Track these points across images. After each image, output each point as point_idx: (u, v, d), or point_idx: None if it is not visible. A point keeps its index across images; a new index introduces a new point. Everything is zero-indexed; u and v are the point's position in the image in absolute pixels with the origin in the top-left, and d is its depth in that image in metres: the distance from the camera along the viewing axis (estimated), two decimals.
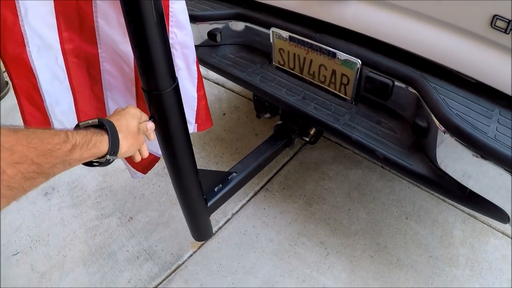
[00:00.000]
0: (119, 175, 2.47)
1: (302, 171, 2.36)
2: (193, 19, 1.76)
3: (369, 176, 2.31)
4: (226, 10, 1.76)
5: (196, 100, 1.34)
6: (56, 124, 1.19)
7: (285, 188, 2.28)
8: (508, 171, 1.02)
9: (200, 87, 1.33)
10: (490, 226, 2.08)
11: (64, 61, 1.12)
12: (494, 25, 1.05)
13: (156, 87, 0.98)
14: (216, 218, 2.13)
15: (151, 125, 1.04)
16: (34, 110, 1.15)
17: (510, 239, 2.02)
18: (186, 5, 1.79)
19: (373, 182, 2.28)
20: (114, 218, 2.24)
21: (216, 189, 1.43)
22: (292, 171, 2.37)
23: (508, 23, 1.02)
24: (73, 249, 2.14)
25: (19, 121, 3.08)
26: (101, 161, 0.89)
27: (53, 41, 1.07)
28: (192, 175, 1.20)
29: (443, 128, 1.10)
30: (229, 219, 2.14)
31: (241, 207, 2.19)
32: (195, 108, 1.35)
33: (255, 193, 2.26)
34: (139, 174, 1.59)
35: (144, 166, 1.56)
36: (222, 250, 2.00)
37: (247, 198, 2.24)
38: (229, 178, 1.48)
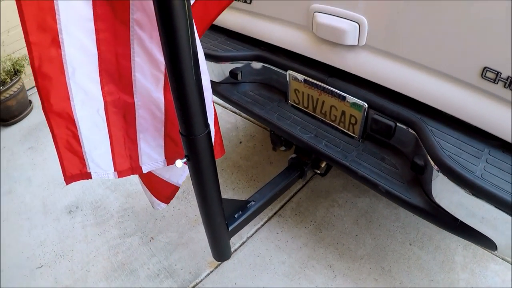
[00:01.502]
0: (141, 196, 2.66)
1: (313, 198, 2.52)
2: (217, 59, 1.96)
3: (376, 204, 2.45)
4: (246, 51, 1.94)
5: (214, 133, 1.51)
6: (92, 167, 1.35)
7: (297, 214, 2.43)
8: (493, 205, 1.17)
9: (216, 122, 1.50)
10: (491, 253, 2.18)
11: (105, 111, 1.29)
12: (485, 76, 1.20)
13: (192, 133, 1.17)
14: (233, 241, 2.28)
15: None
16: (72, 156, 1.30)
17: (510, 265, 2.12)
18: (211, 45, 2.01)
19: (380, 209, 2.42)
20: (136, 238, 2.41)
21: (236, 216, 1.60)
22: (304, 198, 2.53)
23: (497, 74, 1.17)
24: (96, 265, 2.31)
25: (41, 140, 3.34)
26: None
27: (96, 95, 1.24)
28: (217, 204, 1.38)
29: (437, 167, 1.26)
30: (244, 242, 2.30)
31: (256, 231, 2.35)
32: (212, 141, 1.53)
33: (269, 218, 2.42)
34: (163, 204, 1.76)
35: (167, 196, 1.72)
36: (238, 271, 2.15)
37: (261, 223, 2.40)
38: (247, 206, 1.66)
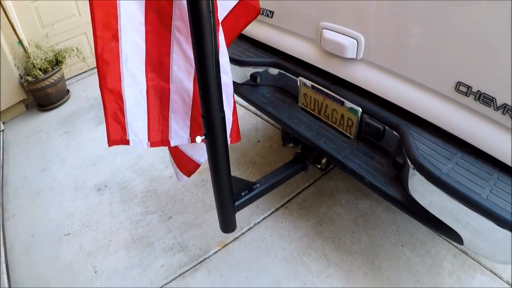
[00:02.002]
0: (164, 181, 2.97)
1: (318, 197, 2.75)
2: (240, 63, 2.25)
3: (376, 207, 2.66)
4: (266, 58, 2.22)
5: (231, 122, 1.79)
6: (131, 136, 1.66)
7: (302, 208, 2.67)
8: (456, 200, 1.37)
9: (234, 112, 1.78)
10: (480, 263, 2.30)
11: (146, 93, 1.61)
12: (458, 89, 1.41)
13: (210, 115, 1.46)
14: (241, 226, 2.55)
15: None
16: (116, 124, 1.61)
17: (497, 278, 2.23)
18: (236, 51, 2.30)
19: (379, 212, 2.63)
20: (155, 216, 2.72)
21: (243, 194, 1.88)
22: (310, 195, 2.77)
23: (468, 88, 1.38)
24: (118, 236, 2.62)
25: (76, 126, 3.78)
26: None
27: (141, 79, 1.57)
28: (226, 178, 1.66)
29: (411, 164, 1.49)
30: (251, 227, 2.56)
31: (263, 219, 2.61)
32: (230, 127, 1.79)
33: (276, 209, 2.68)
34: (185, 177, 2.05)
35: (189, 170, 2.02)
36: (242, 251, 2.41)
37: (269, 213, 2.65)
38: (253, 187, 1.93)
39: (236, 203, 1.83)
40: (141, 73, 1.56)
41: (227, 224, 1.85)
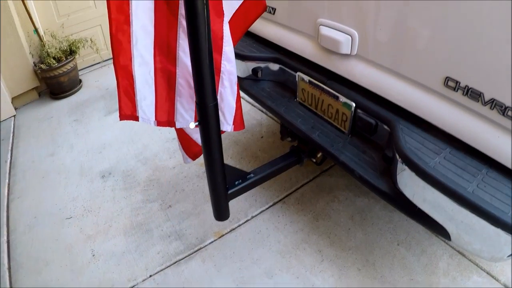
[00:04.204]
0: (167, 171, 3.03)
1: (317, 192, 2.77)
2: (243, 57, 2.30)
3: (373, 205, 2.66)
4: (267, 54, 2.26)
5: (234, 109, 1.83)
6: (140, 113, 1.73)
7: (299, 203, 2.69)
8: (442, 193, 1.37)
9: (238, 100, 1.82)
10: (477, 265, 2.27)
11: (154, 74, 1.69)
12: (447, 84, 1.42)
13: (203, 102, 1.51)
14: (238, 217, 2.59)
15: None
16: (127, 100, 1.70)
17: (494, 280, 2.19)
18: (240, 46, 2.34)
19: (376, 210, 2.63)
20: (156, 204, 2.77)
21: (236, 183, 1.91)
22: (308, 191, 2.79)
23: (457, 83, 1.39)
24: (118, 221, 2.69)
25: (86, 114, 3.91)
26: None
27: (149, 61, 1.65)
28: (219, 164, 1.70)
29: (399, 157, 1.50)
30: (248, 220, 2.59)
31: (260, 212, 2.64)
32: (233, 114, 1.83)
33: (274, 203, 2.70)
34: (189, 159, 2.12)
35: (194, 153, 2.09)
36: (238, 242, 2.45)
37: (267, 206, 2.68)
38: (247, 177, 1.96)
39: (229, 191, 1.86)
40: (149, 55, 1.64)
41: (220, 212, 1.89)
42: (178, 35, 1.62)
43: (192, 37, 1.40)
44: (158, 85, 1.71)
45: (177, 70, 1.70)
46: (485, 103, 1.34)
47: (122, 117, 1.73)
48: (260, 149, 3.20)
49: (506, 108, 1.30)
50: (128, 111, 1.71)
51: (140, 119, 1.74)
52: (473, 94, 1.36)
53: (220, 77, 1.73)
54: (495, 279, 2.21)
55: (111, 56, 1.63)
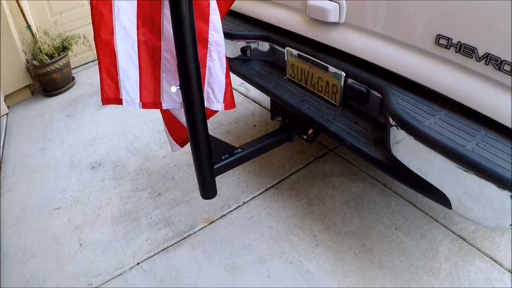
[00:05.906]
0: (157, 160, 2.95)
1: (311, 178, 2.68)
2: (231, 36, 2.23)
3: (369, 190, 2.57)
4: (256, 32, 2.19)
5: (224, 85, 1.74)
6: (124, 94, 1.64)
7: (293, 189, 2.60)
8: (440, 154, 1.28)
9: (227, 75, 1.73)
10: (479, 250, 2.17)
11: (138, 48, 1.59)
12: (438, 43, 1.35)
13: (185, 63, 1.43)
14: (229, 203, 2.50)
15: None
16: (110, 82, 1.61)
17: (497, 265, 2.10)
18: (229, 27, 2.28)
19: (372, 196, 2.54)
20: (145, 192, 2.69)
21: (223, 158, 1.82)
22: (302, 177, 2.70)
23: (448, 40, 1.32)
24: (106, 210, 2.61)
25: (79, 110, 3.83)
26: None
27: (132, 33, 1.56)
28: (204, 135, 1.61)
29: (392, 120, 1.42)
30: (239, 206, 2.51)
31: (252, 198, 2.55)
32: (223, 91, 1.75)
33: (266, 189, 2.61)
34: (178, 147, 2.02)
35: (182, 140, 2.00)
36: (228, 228, 2.35)
37: (259, 192, 2.59)
38: (235, 152, 1.87)
39: (215, 166, 1.77)
40: (133, 26, 1.55)
41: (207, 189, 1.80)
42: (163, 3, 1.53)
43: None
44: (142, 61, 1.62)
45: (162, 43, 1.61)
46: (479, 59, 1.26)
47: (105, 101, 1.63)
48: (253, 138, 3.09)
49: (501, 62, 1.22)
50: (111, 94, 1.62)
51: (124, 102, 1.65)
52: (466, 50, 1.28)
53: (208, 48, 1.64)
54: (498, 264, 2.12)
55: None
